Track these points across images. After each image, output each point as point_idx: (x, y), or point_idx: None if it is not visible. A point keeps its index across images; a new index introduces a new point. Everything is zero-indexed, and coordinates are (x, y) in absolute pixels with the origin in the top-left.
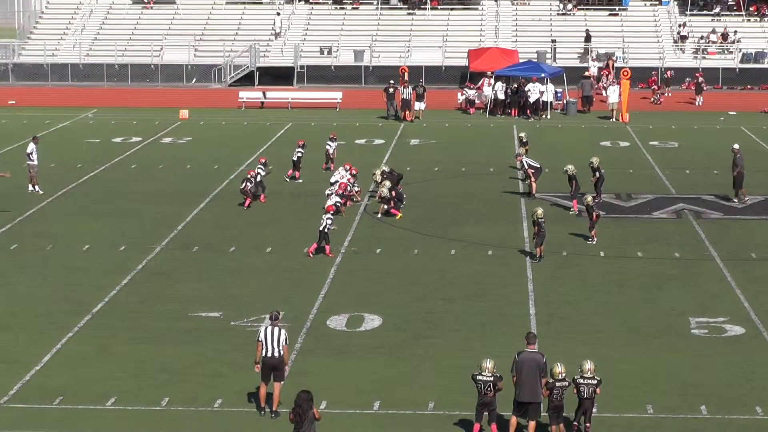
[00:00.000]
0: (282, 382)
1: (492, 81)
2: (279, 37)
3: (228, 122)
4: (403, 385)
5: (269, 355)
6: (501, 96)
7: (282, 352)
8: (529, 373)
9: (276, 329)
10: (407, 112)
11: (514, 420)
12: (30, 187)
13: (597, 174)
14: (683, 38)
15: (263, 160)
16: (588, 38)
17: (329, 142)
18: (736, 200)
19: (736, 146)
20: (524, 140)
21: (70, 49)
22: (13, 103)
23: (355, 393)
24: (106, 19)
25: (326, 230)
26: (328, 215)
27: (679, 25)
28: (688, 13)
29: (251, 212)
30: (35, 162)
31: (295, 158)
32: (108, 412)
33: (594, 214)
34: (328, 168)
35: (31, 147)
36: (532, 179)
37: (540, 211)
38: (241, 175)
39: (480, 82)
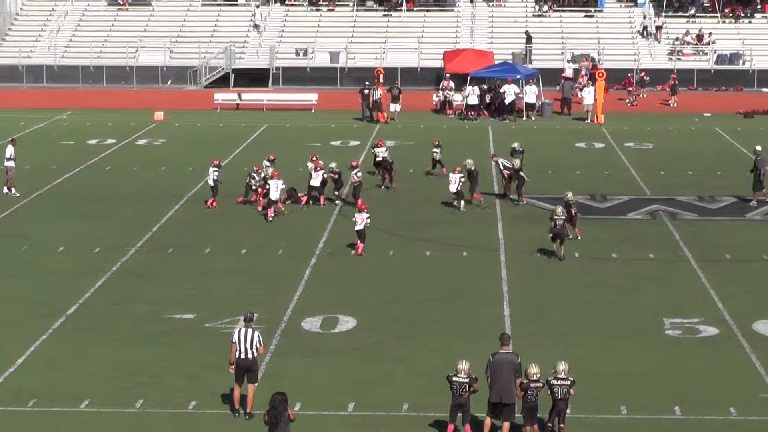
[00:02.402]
0: (256, 384)
1: (451, 83)
2: (258, 30)
3: (203, 124)
4: (377, 386)
5: (243, 356)
6: (474, 101)
7: (256, 354)
8: (503, 373)
9: (250, 331)
10: (379, 114)
11: (488, 421)
12: (5, 190)
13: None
14: (658, 28)
15: (217, 162)
16: (529, 40)
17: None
18: (754, 201)
19: (759, 147)
20: (519, 149)
21: (45, 50)
22: None
23: (329, 394)
24: (81, 21)
25: (365, 228)
26: (367, 214)
27: (644, 17)
28: (663, 14)
29: (226, 214)
30: (13, 164)
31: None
32: (82, 414)
33: (572, 211)
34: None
35: (10, 149)
36: (507, 181)
37: (559, 209)
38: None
39: (442, 83)
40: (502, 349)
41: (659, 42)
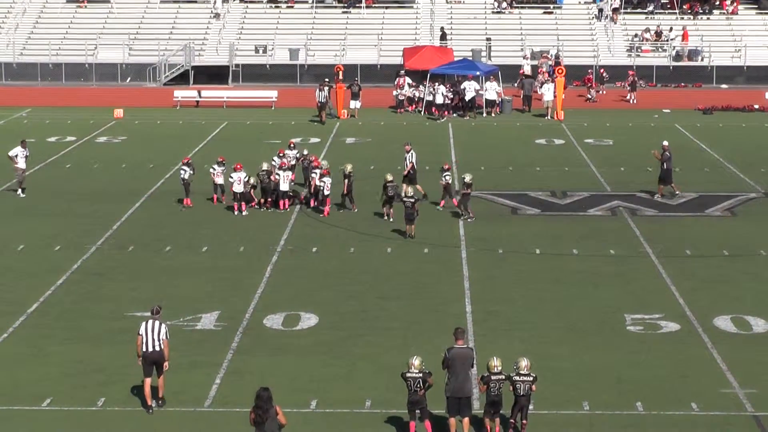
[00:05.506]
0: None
1: (407, 79)
2: (219, 19)
3: (163, 121)
4: (339, 383)
5: (150, 349)
6: (440, 100)
7: (162, 346)
8: (460, 368)
9: (157, 323)
10: (323, 114)
11: (452, 421)
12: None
13: (349, 180)
14: (614, 11)
15: (187, 160)
16: (443, 36)
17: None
18: (658, 196)
19: (665, 143)
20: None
21: (3, 48)
22: None
23: (291, 392)
24: (39, 18)
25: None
26: (328, 178)
27: (599, 3)
28: (622, 11)
29: (186, 212)
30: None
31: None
32: (43, 413)
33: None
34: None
35: (18, 150)
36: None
37: (404, 192)
38: (176, 174)
39: (397, 81)
40: (456, 343)
41: (615, 23)
